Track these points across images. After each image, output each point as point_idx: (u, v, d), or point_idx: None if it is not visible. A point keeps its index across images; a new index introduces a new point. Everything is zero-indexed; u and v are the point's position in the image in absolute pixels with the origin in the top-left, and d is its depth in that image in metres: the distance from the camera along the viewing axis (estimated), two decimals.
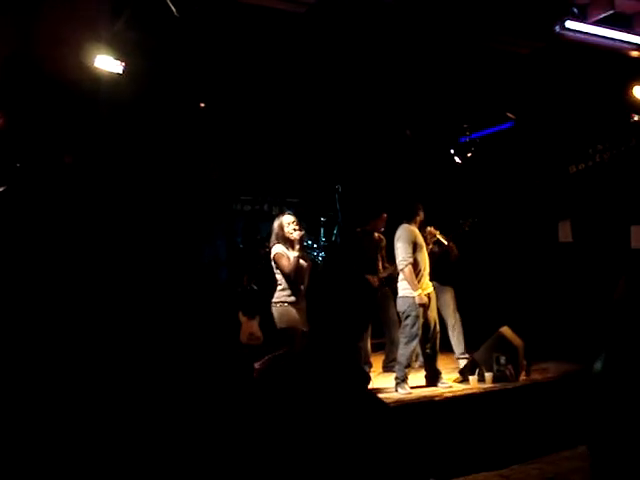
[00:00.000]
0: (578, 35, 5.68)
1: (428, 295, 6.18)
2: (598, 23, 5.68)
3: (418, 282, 6.07)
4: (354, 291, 5.95)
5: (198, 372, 5.84)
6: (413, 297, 6.03)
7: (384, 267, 6.89)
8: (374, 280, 6.73)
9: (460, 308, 7.10)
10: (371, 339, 6.95)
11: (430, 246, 6.52)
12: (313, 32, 6.02)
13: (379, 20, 5.72)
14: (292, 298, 5.37)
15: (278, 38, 6.13)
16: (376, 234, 6.99)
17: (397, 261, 6.17)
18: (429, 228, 6.51)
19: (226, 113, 8.09)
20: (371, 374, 6.61)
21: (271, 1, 5.20)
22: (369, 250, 6.92)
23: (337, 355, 1.87)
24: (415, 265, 6.10)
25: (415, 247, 6.14)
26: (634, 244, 7.41)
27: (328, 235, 9.23)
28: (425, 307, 6.10)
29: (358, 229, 7.14)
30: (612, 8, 5.55)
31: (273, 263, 5.48)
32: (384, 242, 6.97)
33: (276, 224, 5.54)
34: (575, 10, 5.63)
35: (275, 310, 5.41)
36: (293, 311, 5.35)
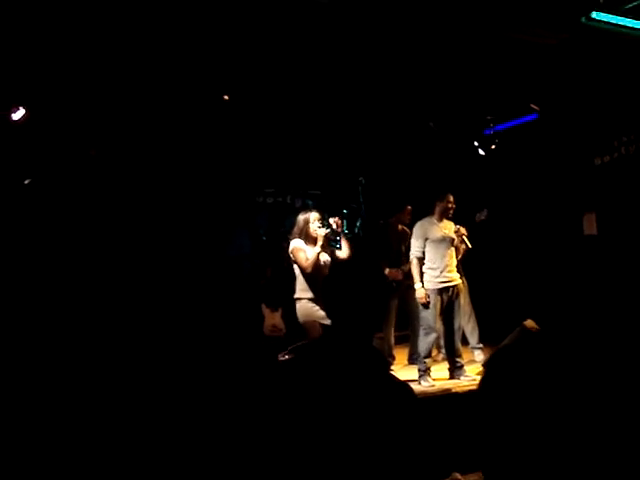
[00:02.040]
0: (604, 26, 5.62)
1: (452, 288, 6.17)
2: (624, 14, 5.62)
3: (437, 275, 6.10)
4: (370, 282, 5.98)
5: (220, 363, 5.91)
6: (429, 289, 6.08)
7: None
8: (397, 273, 6.71)
9: (481, 300, 7.06)
10: (395, 332, 6.96)
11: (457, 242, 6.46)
12: (336, 22, 5.99)
13: (404, 10, 5.69)
14: (310, 294, 5.36)
15: (300, 28, 6.11)
16: (400, 226, 6.98)
17: None
18: (459, 226, 6.44)
19: (249, 105, 8.11)
20: (393, 367, 6.64)
21: None
22: (393, 243, 6.91)
23: (354, 343, 1.88)
24: (426, 259, 6.17)
25: (427, 241, 6.17)
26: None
27: (351, 227, 9.21)
28: (442, 299, 6.11)
29: (381, 221, 7.13)
30: None
31: (291, 256, 5.46)
32: (409, 235, 6.95)
33: (302, 218, 5.49)
34: (601, 1, 5.57)
35: (297, 305, 5.44)
36: (312, 306, 5.34)
